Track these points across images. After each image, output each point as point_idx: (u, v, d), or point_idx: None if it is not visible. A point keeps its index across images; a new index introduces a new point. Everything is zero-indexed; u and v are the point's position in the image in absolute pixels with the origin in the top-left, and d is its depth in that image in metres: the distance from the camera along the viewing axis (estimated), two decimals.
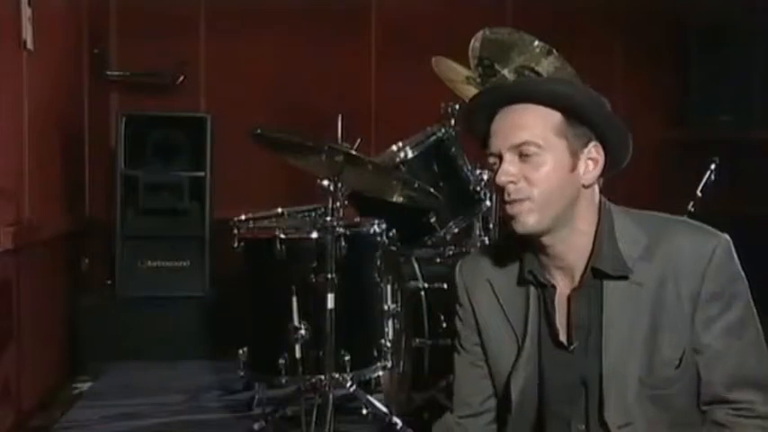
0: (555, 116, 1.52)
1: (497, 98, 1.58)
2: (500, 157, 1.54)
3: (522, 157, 1.52)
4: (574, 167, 1.53)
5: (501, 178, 1.52)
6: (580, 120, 1.53)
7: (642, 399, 1.52)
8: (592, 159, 1.55)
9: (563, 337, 1.58)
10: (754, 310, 1.55)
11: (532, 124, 1.52)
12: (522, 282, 1.62)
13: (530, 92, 1.57)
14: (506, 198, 1.53)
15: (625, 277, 1.53)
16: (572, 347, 1.57)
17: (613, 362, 1.52)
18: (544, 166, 1.51)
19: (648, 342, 1.52)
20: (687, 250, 1.52)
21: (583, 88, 1.59)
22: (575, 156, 1.53)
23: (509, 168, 1.52)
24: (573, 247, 1.56)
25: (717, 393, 1.53)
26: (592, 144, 1.55)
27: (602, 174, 1.57)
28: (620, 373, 1.52)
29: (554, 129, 1.52)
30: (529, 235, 1.55)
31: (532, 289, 1.61)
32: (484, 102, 1.60)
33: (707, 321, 1.51)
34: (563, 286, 1.59)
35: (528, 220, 1.52)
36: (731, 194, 5.09)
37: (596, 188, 1.59)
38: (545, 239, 1.55)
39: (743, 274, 1.55)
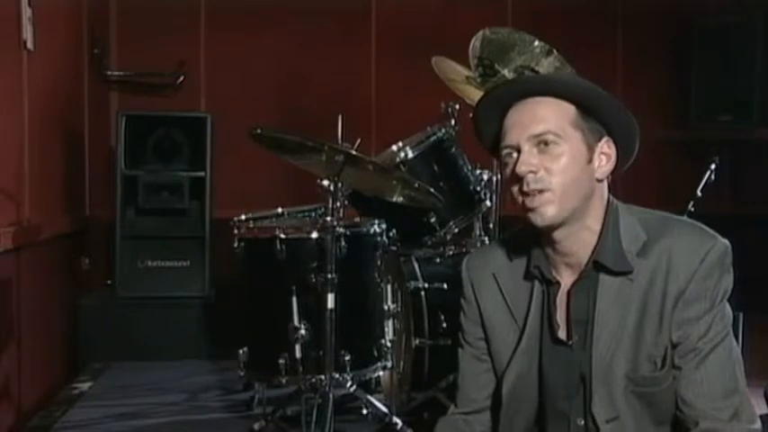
0: (570, 109, 1.54)
1: (513, 92, 1.59)
2: (518, 150, 1.54)
3: (541, 147, 1.52)
4: (590, 160, 1.55)
5: (521, 168, 1.52)
6: (593, 114, 1.55)
7: (628, 394, 1.53)
8: (604, 154, 1.57)
9: (562, 334, 1.58)
10: (731, 321, 1.54)
11: (550, 115, 1.53)
12: (527, 276, 1.63)
13: (546, 85, 1.59)
14: (525, 189, 1.52)
15: (625, 273, 1.53)
16: (571, 342, 1.58)
17: (602, 356, 1.54)
18: (563, 157, 1.52)
19: (635, 338, 1.53)
20: (682, 249, 1.52)
21: (594, 85, 1.60)
22: (590, 149, 1.55)
23: (529, 159, 1.52)
24: (582, 243, 1.57)
25: (680, 395, 1.52)
26: (604, 139, 1.57)
27: (614, 170, 1.59)
28: (607, 368, 1.53)
29: (570, 120, 1.54)
30: (546, 227, 1.55)
31: (537, 284, 1.62)
32: (499, 96, 1.61)
33: (683, 322, 1.51)
34: (567, 282, 1.60)
35: (547, 211, 1.52)
36: (731, 194, 5.11)
37: (606, 186, 1.60)
38: (556, 234, 1.56)
39: (731, 281, 1.54)
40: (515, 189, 1.55)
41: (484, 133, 1.65)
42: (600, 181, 1.58)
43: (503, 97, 1.60)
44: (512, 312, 1.64)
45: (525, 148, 1.53)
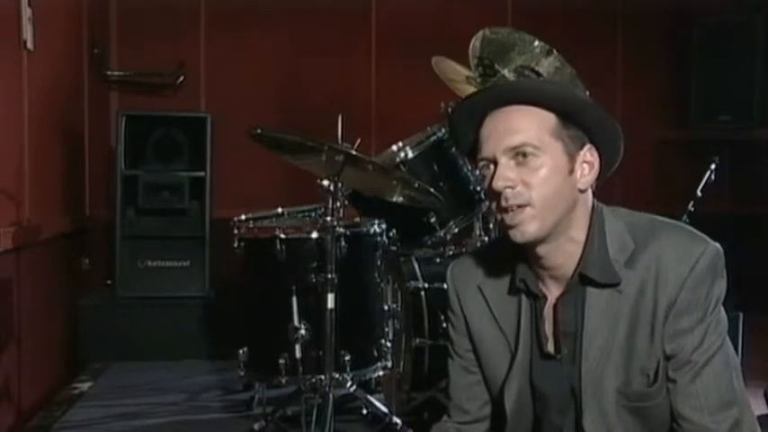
0: (549, 117, 1.46)
1: (488, 100, 1.51)
2: (494, 162, 1.47)
3: (519, 160, 1.45)
4: (571, 170, 1.48)
5: (498, 183, 1.45)
6: (574, 121, 1.48)
7: (620, 409, 1.48)
8: (587, 163, 1.50)
9: (551, 347, 1.53)
10: (726, 328, 1.49)
11: (527, 126, 1.45)
12: (513, 290, 1.57)
13: (523, 93, 1.50)
14: (504, 204, 1.46)
15: (612, 285, 1.47)
16: (559, 356, 1.53)
17: (592, 370, 1.48)
18: (542, 169, 1.45)
19: (626, 351, 1.47)
20: (670, 256, 1.45)
21: (575, 89, 1.55)
22: (571, 159, 1.48)
23: (506, 173, 1.45)
24: (567, 255, 1.51)
25: (677, 409, 1.47)
26: (587, 147, 1.50)
27: (597, 178, 1.52)
28: (598, 383, 1.48)
29: (549, 130, 1.46)
30: (527, 244, 1.49)
31: (524, 298, 1.56)
32: (473, 104, 1.53)
33: (676, 334, 1.45)
34: (555, 295, 1.54)
35: (529, 228, 1.45)
36: (731, 194, 5.11)
37: (590, 193, 1.54)
38: (539, 249, 1.50)
39: (724, 287, 1.47)
40: (494, 205, 1.48)
41: (460, 142, 1.59)
42: (583, 192, 1.50)
43: (478, 105, 1.51)
44: (500, 326, 1.58)
45: (502, 160, 1.46)
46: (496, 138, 1.47)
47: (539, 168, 1.45)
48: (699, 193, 3.26)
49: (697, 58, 5.10)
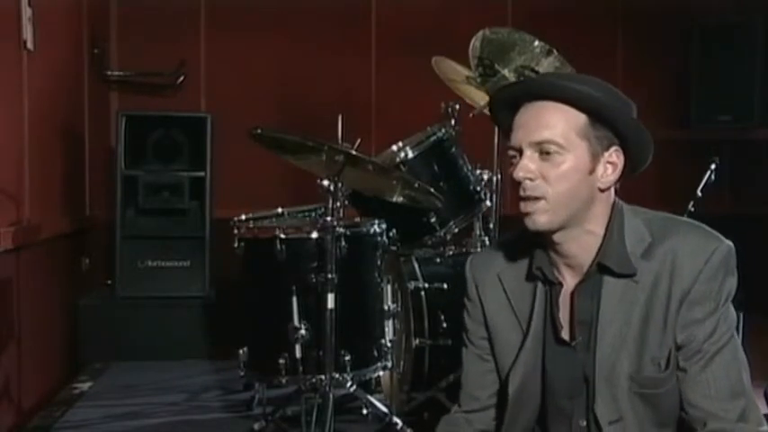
0: (580, 117, 1.52)
1: (524, 92, 1.58)
2: (520, 152, 1.54)
3: (542, 154, 1.52)
4: (592, 170, 1.54)
5: (519, 173, 1.52)
6: (605, 123, 1.53)
7: (632, 396, 1.53)
8: (611, 163, 1.55)
9: (566, 334, 1.58)
10: (735, 324, 1.54)
11: (556, 123, 1.51)
12: (530, 277, 1.63)
13: (559, 90, 1.55)
14: (522, 194, 1.53)
15: (629, 275, 1.53)
16: (574, 343, 1.57)
17: (605, 358, 1.53)
18: (563, 166, 1.51)
19: (639, 340, 1.52)
20: (686, 250, 1.51)
21: (612, 91, 1.57)
22: (595, 158, 1.53)
23: (528, 164, 1.52)
24: (583, 246, 1.56)
25: (686, 397, 1.51)
26: (613, 148, 1.55)
27: (620, 178, 1.58)
28: (611, 369, 1.53)
29: (577, 130, 1.52)
30: (540, 232, 1.55)
31: (540, 285, 1.61)
32: (511, 93, 1.61)
33: (688, 324, 1.50)
34: (570, 283, 1.59)
35: (540, 219, 1.52)
36: (731, 194, 5.11)
37: (612, 191, 1.59)
38: (556, 237, 1.56)
39: (735, 283, 1.53)
40: (516, 192, 1.56)
41: (500, 124, 1.66)
42: (603, 190, 1.56)
43: (515, 95, 1.59)
44: (515, 313, 1.64)
45: (527, 153, 1.53)
46: (525, 130, 1.54)
47: (560, 165, 1.52)
48: (699, 193, 3.26)
49: (697, 58, 5.10)
